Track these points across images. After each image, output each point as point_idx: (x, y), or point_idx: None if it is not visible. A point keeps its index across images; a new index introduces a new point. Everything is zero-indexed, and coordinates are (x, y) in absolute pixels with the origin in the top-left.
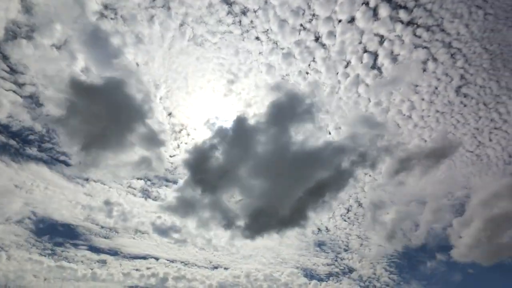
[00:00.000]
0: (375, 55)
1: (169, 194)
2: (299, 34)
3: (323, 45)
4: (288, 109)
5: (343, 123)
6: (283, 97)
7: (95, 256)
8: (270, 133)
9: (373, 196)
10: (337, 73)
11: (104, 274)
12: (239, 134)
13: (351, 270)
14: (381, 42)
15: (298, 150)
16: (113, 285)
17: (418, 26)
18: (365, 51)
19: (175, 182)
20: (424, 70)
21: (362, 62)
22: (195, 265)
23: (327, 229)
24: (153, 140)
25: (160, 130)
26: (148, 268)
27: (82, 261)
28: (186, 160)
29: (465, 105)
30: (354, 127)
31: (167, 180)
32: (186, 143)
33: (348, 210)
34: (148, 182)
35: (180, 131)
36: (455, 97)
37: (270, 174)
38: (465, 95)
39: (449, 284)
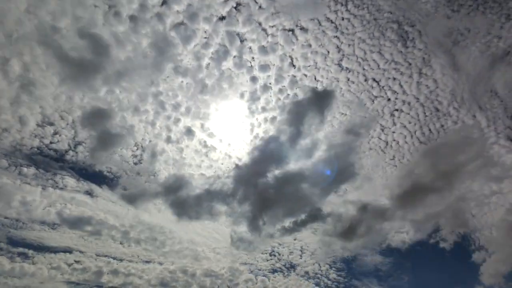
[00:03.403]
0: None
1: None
2: None
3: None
4: None
5: None
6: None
7: (13, 249)
8: None
9: None
10: (196, 45)
11: (32, 268)
12: None
13: (293, 266)
14: (236, 8)
15: None
16: (46, 280)
17: None
18: (222, 18)
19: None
20: (296, 38)
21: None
22: (124, 259)
23: None
24: None
25: None
26: (76, 262)
27: (2, 255)
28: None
29: (353, 82)
30: None
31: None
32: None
33: None
34: (41, 170)
35: None
36: (340, 73)
37: None
38: (350, 70)
39: (399, 280)
